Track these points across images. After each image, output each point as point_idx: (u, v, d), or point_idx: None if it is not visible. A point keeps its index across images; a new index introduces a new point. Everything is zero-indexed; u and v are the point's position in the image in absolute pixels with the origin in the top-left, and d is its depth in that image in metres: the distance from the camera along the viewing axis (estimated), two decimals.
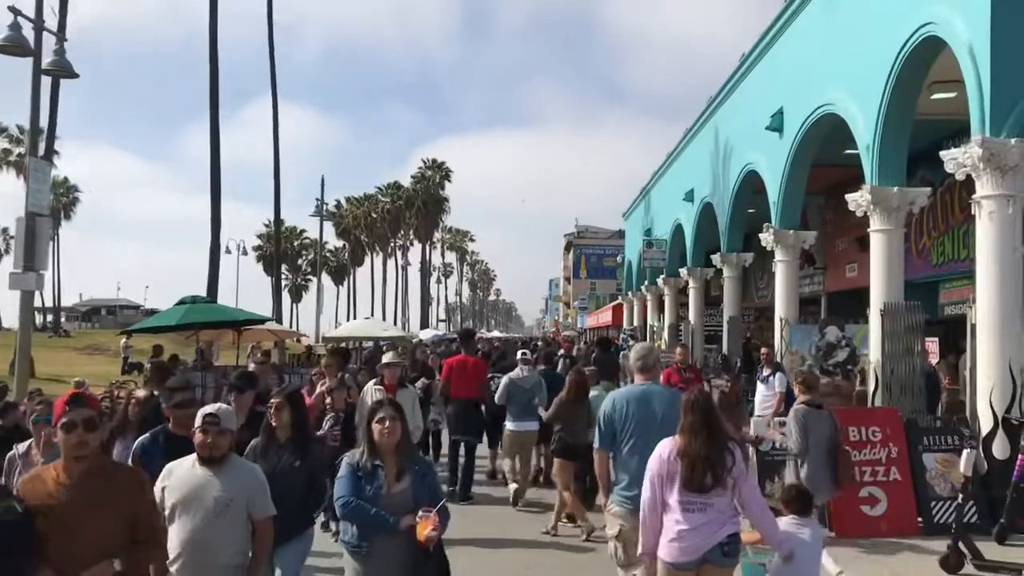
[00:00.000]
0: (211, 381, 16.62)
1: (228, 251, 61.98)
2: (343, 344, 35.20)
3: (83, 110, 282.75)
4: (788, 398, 10.59)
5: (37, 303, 74.29)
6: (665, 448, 4.63)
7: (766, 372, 10.83)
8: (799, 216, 14.95)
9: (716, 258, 18.91)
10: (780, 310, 14.77)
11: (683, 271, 22.76)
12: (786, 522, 5.12)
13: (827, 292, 22.06)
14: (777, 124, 14.58)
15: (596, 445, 5.57)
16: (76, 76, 14.20)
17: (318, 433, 8.28)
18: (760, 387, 10.83)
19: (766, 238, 14.95)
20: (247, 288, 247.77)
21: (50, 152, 32.76)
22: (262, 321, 17.69)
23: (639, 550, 4.76)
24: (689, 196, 21.77)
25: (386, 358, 9.41)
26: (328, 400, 9.00)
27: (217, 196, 28.89)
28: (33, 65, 13.67)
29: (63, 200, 74.99)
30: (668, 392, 5.60)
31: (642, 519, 4.67)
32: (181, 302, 16.39)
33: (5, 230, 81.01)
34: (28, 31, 13.50)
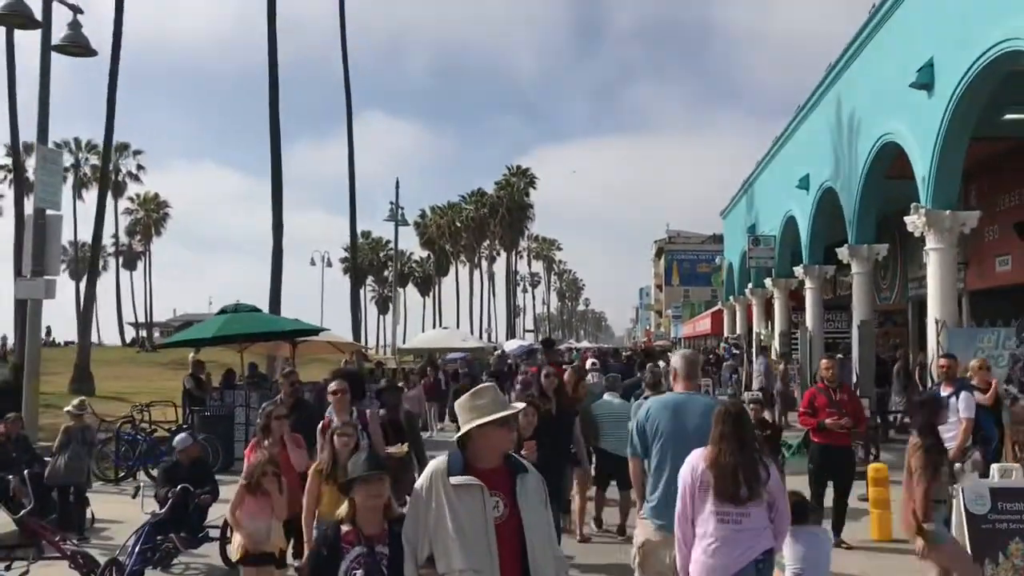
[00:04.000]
0: (255, 401, 14.59)
1: (312, 263, 61.90)
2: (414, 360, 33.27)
3: (190, 130, 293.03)
4: (980, 426, 7.80)
5: (129, 318, 75.48)
6: (697, 459, 4.45)
7: (946, 391, 8.01)
8: (957, 192, 12.03)
9: (842, 251, 15.99)
10: (934, 310, 11.94)
11: (798, 270, 19.78)
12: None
13: (969, 291, 19.00)
14: (926, 79, 11.76)
15: (630, 453, 5.32)
16: (94, 54, 12.39)
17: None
18: None
19: (914, 221, 12.08)
20: (334, 301, 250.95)
21: (106, 164, 32.08)
22: (315, 332, 15.63)
23: (675, 568, 4.59)
24: (804, 183, 18.86)
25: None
26: None
27: (279, 202, 27.66)
28: (42, 39, 11.93)
29: (153, 216, 76.21)
30: (709, 403, 5.08)
31: (676, 535, 4.50)
32: (222, 311, 14.54)
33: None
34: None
